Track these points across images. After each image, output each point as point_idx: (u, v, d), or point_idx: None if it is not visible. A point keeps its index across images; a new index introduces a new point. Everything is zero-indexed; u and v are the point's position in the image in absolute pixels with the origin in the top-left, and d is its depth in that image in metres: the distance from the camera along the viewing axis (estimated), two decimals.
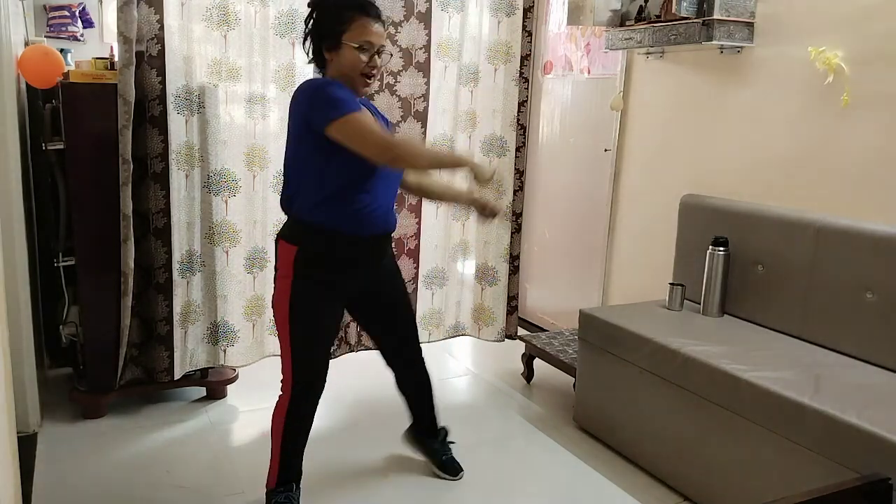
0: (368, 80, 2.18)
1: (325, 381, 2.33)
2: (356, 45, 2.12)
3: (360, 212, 2.17)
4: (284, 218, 2.30)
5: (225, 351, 3.23)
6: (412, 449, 2.73)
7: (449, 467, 2.66)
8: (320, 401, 2.35)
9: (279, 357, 2.23)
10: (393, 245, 2.50)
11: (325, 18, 2.16)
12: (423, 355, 2.63)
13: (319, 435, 2.81)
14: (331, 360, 2.42)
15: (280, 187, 3.20)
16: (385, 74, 3.32)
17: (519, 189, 3.70)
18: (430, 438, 2.70)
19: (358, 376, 3.42)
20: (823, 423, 2.05)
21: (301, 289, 2.20)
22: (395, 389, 2.67)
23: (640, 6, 3.19)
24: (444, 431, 2.72)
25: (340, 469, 2.71)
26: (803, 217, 2.66)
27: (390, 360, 2.60)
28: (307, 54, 2.24)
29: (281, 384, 2.29)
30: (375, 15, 2.17)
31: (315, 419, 2.53)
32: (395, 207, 2.35)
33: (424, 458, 2.70)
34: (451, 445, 2.72)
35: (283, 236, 2.25)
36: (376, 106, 2.54)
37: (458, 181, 2.37)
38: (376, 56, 2.16)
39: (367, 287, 2.38)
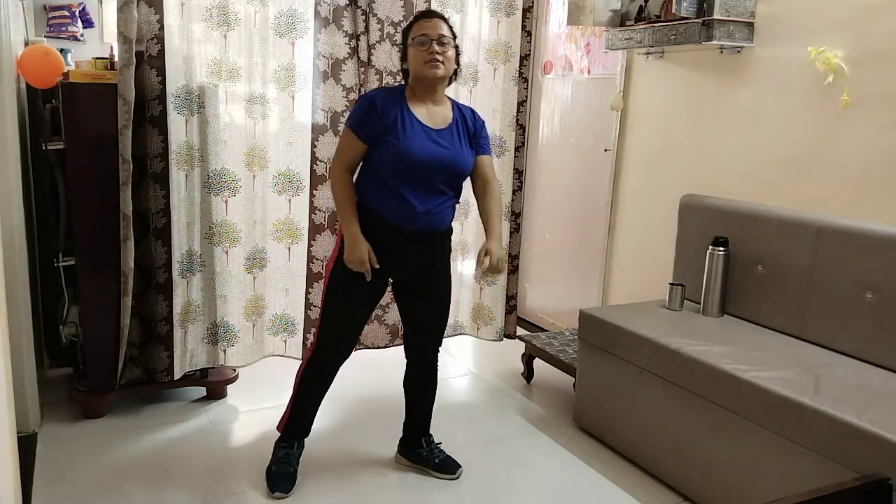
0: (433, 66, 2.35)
1: (347, 353, 2.56)
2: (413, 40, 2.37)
3: (390, 206, 2.36)
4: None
5: (225, 351, 3.23)
6: (407, 464, 2.73)
7: (445, 467, 2.66)
8: (320, 401, 2.52)
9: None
10: (444, 245, 2.55)
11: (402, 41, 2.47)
12: (436, 361, 2.67)
13: (319, 434, 2.82)
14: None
15: (280, 187, 3.25)
16: (385, 74, 3.32)
17: (519, 189, 3.70)
18: (417, 448, 2.71)
19: (358, 376, 3.42)
20: (823, 423, 2.05)
21: (340, 265, 2.41)
22: (394, 389, 2.69)
23: (640, 6, 3.19)
24: (430, 438, 2.73)
25: (340, 469, 2.70)
26: (803, 217, 2.66)
27: (406, 352, 2.67)
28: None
29: (313, 339, 2.57)
30: (430, 16, 2.41)
31: (315, 419, 2.65)
32: (443, 212, 2.44)
33: (421, 467, 2.70)
34: (439, 446, 2.73)
35: None
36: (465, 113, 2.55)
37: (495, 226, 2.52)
38: (434, 43, 2.33)
39: (405, 276, 2.52)
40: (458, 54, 2.44)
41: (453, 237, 3.63)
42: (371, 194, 2.39)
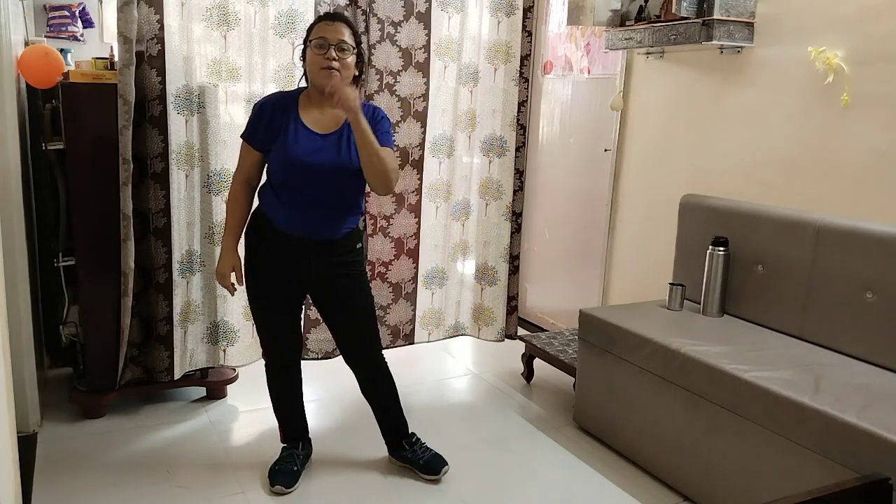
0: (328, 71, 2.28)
1: (294, 350, 2.61)
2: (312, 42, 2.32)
3: (281, 213, 2.38)
4: None
5: (225, 351, 3.23)
6: (399, 465, 2.72)
7: (428, 468, 2.64)
8: (317, 401, 2.59)
9: None
10: (340, 256, 2.48)
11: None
12: (379, 364, 2.63)
13: (318, 434, 2.82)
14: (325, 360, 2.52)
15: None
16: (385, 74, 3.32)
17: (519, 189, 3.70)
18: (401, 450, 2.70)
19: (354, 377, 3.41)
20: (823, 423, 2.05)
21: (249, 274, 2.50)
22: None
23: (640, 6, 3.19)
24: (413, 436, 2.71)
25: (338, 469, 2.70)
26: (803, 217, 2.66)
27: (346, 362, 2.65)
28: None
29: None
30: (332, 19, 2.34)
31: (311, 420, 2.71)
32: (335, 220, 2.41)
33: (408, 467, 2.69)
34: (425, 444, 2.70)
35: None
36: (380, 107, 2.53)
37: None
38: (332, 49, 2.27)
39: (305, 283, 2.51)
40: (360, 60, 2.38)
41: (453, 237, 3.67)
42: (265, 201, 2.41)
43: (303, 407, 2.69)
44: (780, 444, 2.18)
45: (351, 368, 2.64)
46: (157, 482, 2.57)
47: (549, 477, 2.73)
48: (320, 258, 2.43)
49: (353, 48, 2.33)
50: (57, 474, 2.58)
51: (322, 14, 2.44)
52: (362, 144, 2.23)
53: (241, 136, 2.41)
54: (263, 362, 2.65)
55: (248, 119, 2.42)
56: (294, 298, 2.55)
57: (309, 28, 2.38)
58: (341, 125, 2.35)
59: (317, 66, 2.29)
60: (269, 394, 2.65)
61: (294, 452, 2.62)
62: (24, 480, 2.42)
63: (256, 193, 2.47)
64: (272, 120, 2.33)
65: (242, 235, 2.49)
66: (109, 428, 2.95)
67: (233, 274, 2.46)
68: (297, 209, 2.35)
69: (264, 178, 2.46)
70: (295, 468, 2.57)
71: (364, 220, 3.18)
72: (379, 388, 2.66)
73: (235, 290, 2.51)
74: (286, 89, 3.14)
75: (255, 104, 2.42)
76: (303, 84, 2.46)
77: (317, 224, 2.38)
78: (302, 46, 2.39)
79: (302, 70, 2.41)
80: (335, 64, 2.26)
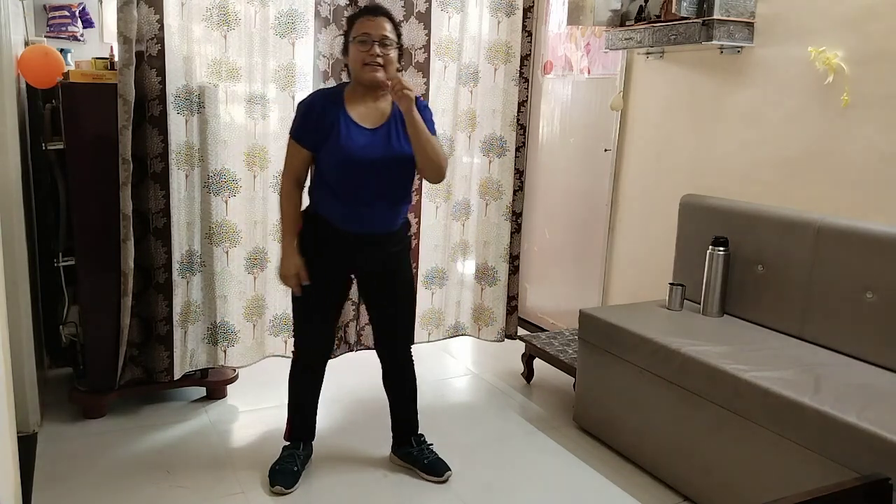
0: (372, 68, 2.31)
1: (325, 350, 2.61)
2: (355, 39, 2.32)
3: (337, 210, 2.38)
4: None
5: (225, 351, 3.23)
6: (399, 464, 2.73)
7: (433, 469, 2.65)
8: (318, 401, 2.60)
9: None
10: (395, 246, 2.53)
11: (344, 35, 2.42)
12: (408, 357, 2.68)
13: (319, 434, 2.81)
14: (330, 360, 2.60)
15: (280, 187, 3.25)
16: None
17: (519, 189, 3.70)
18: (408, 447, 2.71)
19: (356, 376, 3.42)
20: (823, 423, 2.05)
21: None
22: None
23: (640, 6, 3.19)
24: (421, 436, 2.73)
25: (338, 469, 2.70)
26: (803, 217, 2.66)
27: (378, 354, 2.69)
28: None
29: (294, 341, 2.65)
30: (374, 13, 2.35)
31: (316, 420, 2.65)
32: (391, 213, 2.43)
33: (410, 466, 2.70)
34: (431, 447, 2.72)
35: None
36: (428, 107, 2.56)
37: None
38: (375, 45, 2.28)
39: (361, 278, 2.55)
40: (401, 54, 2.40)
41: (453, 237, 3.67)
42: (320, 202, 2.41)
43: (316, 409, 2.69)
44: (780, 444, 2.18)
45: (381, 358, 2.68)
46: (157, 482, 2.57)
47: (549, 477, 2.73)
48: (377, 251, 2.46)
49: (396, 42, 2.35)
50: (57, 474, 2.58)
51: (362, 8, 2.43)
52: (417, 136, 2.30)
53: (291, 136, 2.39)
54: (291, 360, 2.66)
55: (294, 119, 2.41)
56: (341, 297, 2.58)
57: (349, 21, 2.37)
58: (388, 118, 2.38)
59: (360, 62, 2.30)
60: (288, 390, 2.64)
61: (295, 452, 2.62)
62: (24, 480, 2.42)
63: (306, 193, 2.48)
64: (322, 118, 2.33)
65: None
66: (109, 428, 2.95)
67: (297, 275, 2.42)
68: (354, 205, 2.35)
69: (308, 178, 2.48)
70: (295, 468, 2.57)
71: None
72: (404, 381, 2.69)
73: (302, 287, 2.46)
74: (284, 89, 3.15)
75: (301, 103, 2.42)
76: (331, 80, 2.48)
77: (375, 217, 2.40)
78: (343, 40, 2.39)
79: (344, 64, 2.42)
80: (379, 60, 2.28)
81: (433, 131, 2.43)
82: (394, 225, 2.46)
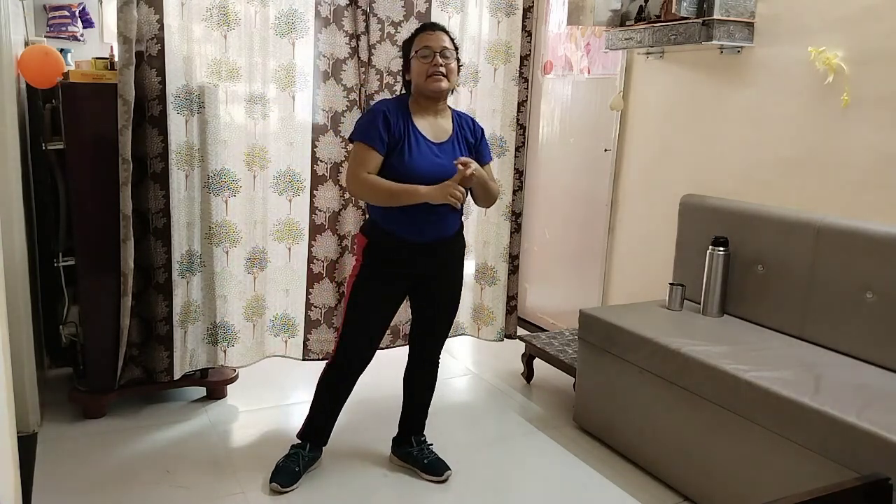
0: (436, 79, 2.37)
1: (365, 361, 2.57)
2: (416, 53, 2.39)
3: (399, 221, 2.39)
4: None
5: (225, 351, 3.23)
6: (399, 464, 2.74)
7: (433, 469, 2.66)
8: (341, 411, 2.65)
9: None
10: (458, 251, 2.59)
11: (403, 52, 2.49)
12: (436, 358, 2.69)
13: None
14: (325, 360, 2.60)
15: (280, 187, 3.25)
16: (385, 74, 3.32)
17: (519, 189, 3.70)
18: (408, 447, 2.72)
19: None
20: (823, 423, 2.05)
21: (362, 276, 2.48)
22: (394, 389, 2.71)
23: (640, 6, 3.19)
24: (424, 437, 2.75)
25: (338, 468, 2.71)
26: (803, 217, 2.66)
27: (411, 350, 2.71)
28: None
29: (334, 346, 2.62)
30: (433, 28, 2.44)
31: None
32: (449, 219, 2.46)
33: (410, 466, 2.71)
34: (431, 447, 2.73)
35: (360, 230, 2.57)
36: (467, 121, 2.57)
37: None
38: (437, 56, 2.36)
39: (418, 280, 2.54)
40: (459, 67, 2.46)
41: None
42: (382, 215, 2.42)
43: (336, 417, 2.67)
44: (780, 444, 2.18)
45: (413, 356, 2.69)
46: (157, 482, 2.57)
47: (549, 477, 2.73)
48: (437, 257, 2.49)
49: (455, 54, 2.42)
50: (57, 474, 2.58)
51: (421, 25, 2.51)
52: (484, 190, 2.45)
53: (363, 141, 2.35)
54: (326, 364, 2.62)
55: (362, 125, 2.38)
56: (395, 307, 2.57)
57: (407, 41, 2.46)
58: (451, 133, 2.45)
59: (424, 74, 2.36)
60: (315, 390, 2.62)
61: (300, 453, 2.62)
62: (24, 480, 2.42)
63: (367, 208, 2.52)
64: (394, 127, 2.36)
65: (357, 250, 2.51)
66: (109, 428, 2.95)
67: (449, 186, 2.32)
68: (419, 216, 2.37)
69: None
70: (296, 469, 2.57)
71: None
72: (429, 379, 2.71)
73: (361, 300, 2.47)
74: (284, 89, 3.15)
75: (370, 109, 2.44)
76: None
77: (440, 225, 2.43)
78: (402, 61, 2.47)
79: (404, 81, 2.49)
80: (442, 70, 2.35)
81: (490, 157, 2.58)
82: (453, 230, 2.50)
